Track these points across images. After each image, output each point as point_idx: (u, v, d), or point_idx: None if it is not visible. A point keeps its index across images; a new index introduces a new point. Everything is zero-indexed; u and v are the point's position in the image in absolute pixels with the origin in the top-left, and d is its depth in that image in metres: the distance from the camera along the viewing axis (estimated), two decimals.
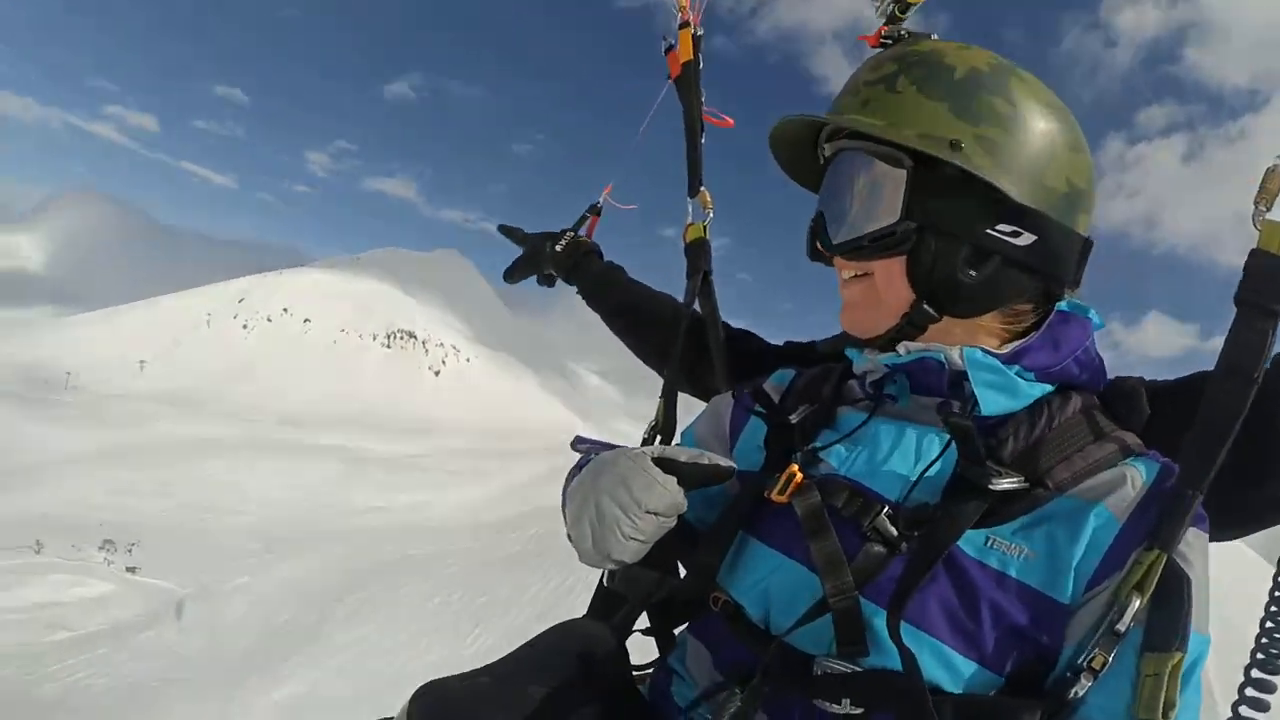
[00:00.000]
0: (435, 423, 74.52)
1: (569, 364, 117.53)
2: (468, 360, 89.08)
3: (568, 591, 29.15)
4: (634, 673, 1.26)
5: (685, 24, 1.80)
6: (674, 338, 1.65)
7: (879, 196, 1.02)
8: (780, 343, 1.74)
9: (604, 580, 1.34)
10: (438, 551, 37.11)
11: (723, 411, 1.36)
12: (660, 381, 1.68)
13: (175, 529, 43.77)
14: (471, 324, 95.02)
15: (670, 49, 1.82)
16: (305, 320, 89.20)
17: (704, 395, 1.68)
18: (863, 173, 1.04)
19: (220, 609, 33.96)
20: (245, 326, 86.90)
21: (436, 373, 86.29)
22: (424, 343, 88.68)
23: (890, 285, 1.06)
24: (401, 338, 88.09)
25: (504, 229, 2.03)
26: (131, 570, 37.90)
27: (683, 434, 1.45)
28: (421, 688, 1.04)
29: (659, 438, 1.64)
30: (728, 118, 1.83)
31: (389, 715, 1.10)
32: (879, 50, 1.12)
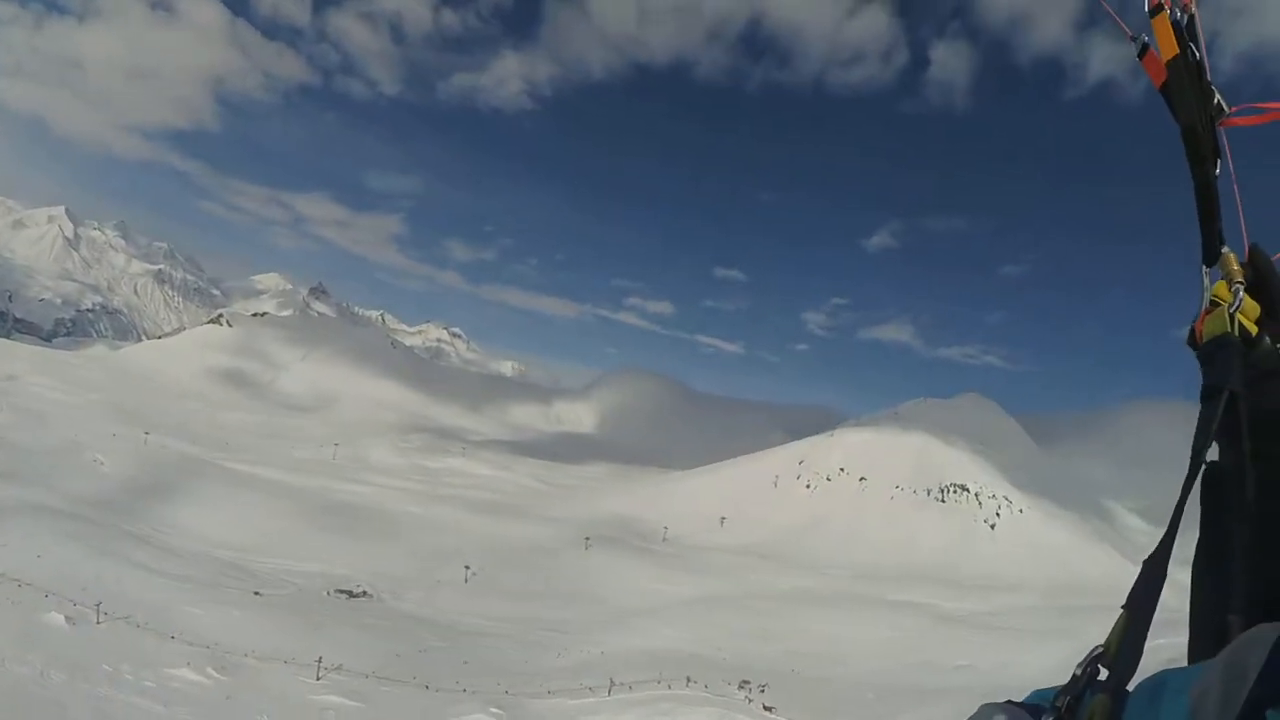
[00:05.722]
0: (998, 578, 71.96)
1: (1104, 501, 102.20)
2: (1020, 511, 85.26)
3: None
4: None
5: (1158, 7, 1.24)
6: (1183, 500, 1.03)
7: None
8: None
9: None
10: None
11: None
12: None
13: (791, 674, 45.55)
14: (1009, 469, 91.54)
15: (1146, 50, 1.28)
16: (861, 479, 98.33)
17: (1223, 597, 1.07)
18: None
19: None
20: (808, 486, 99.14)
21: (992, 526, 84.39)
22: (976, 495, 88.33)
23: None
24: (954, 491, 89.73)
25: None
26: (769, 709, 44.87)
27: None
28: None
29: (1105, 672, 1.01)
30: (1272, 105, 1.21)
31: None
32: None
